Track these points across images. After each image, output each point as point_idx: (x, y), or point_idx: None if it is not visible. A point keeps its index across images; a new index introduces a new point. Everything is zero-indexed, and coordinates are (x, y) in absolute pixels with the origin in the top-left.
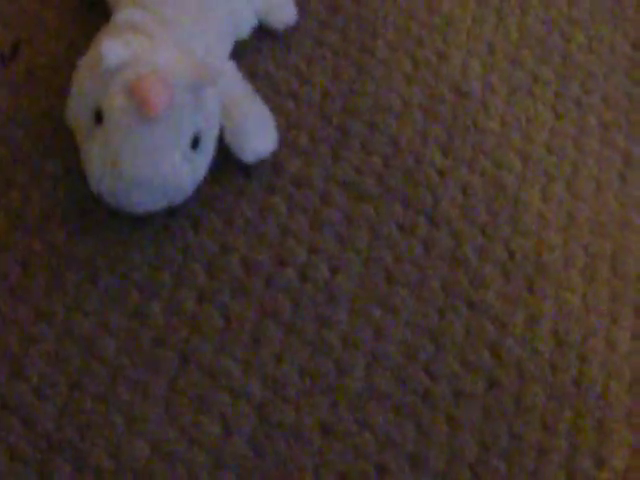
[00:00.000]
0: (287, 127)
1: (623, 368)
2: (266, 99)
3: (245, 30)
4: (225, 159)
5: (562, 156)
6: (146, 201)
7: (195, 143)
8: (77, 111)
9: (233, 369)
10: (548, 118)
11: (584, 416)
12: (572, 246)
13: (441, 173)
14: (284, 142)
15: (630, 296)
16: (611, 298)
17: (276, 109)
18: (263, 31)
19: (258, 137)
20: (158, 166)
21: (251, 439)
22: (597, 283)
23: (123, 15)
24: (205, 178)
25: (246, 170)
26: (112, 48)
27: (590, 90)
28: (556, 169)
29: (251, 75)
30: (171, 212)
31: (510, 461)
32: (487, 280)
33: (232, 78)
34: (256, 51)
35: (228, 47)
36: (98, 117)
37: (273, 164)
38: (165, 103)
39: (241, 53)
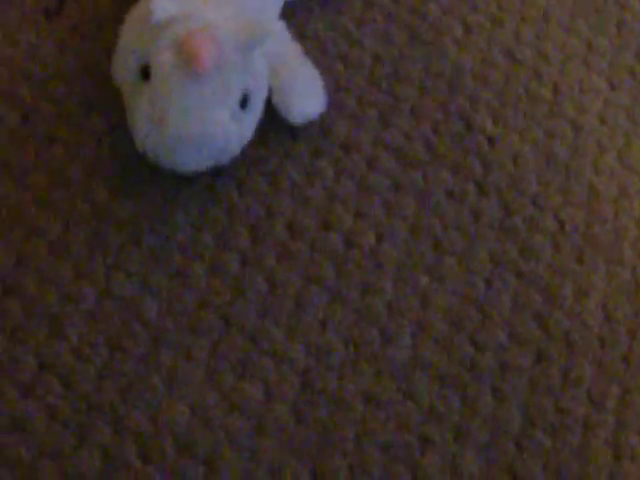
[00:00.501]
0: (336, 90)
1: None
2: (315, 61)
3: None
4: (272, 120)
5: (615, 127)
6: (191, 160)
7: (244, 102)
8: (124, 67)
9: (276, 334)
10: (602, 88)
11: (632, 392)
12: (623, 218)
13: (491, 141)
14: (332, 105)
15: None
16: None
17: (325, 71)
18: None
19: (306, 99)
20: (206, 124)
21: (293, 406)
22: None
23: None
24: (252, 139)
25: (293, 132)
26: (161, 3)
27: None
28: (608, 140)
29: (300, 36)
30: (216, 173)
31: (555, 436)
32: (536, 251)
33: (281, 38)
34: (306, 11)
35: (278, 6)
36: (145, 73)
37: (321, 127)
38: (214, 60)
39: (291, 13)
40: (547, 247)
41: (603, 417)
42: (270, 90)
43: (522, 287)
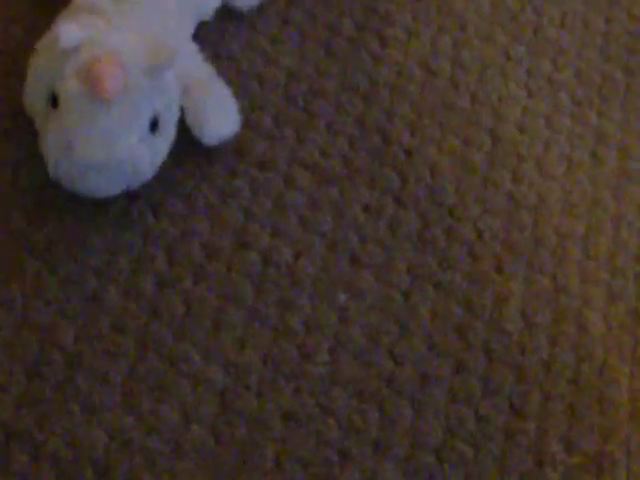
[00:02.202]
0: (251, 109)
1: (595, 351)
2: (230, 81)
3: (208, 11)
4: (187, 141)
5: (533, 135)
6: (103, 186)
7: (154, 126)
8: (34, 95)
9: (193, 355)
10: (520, 96)
11: (554, 399)
12: (542, 226)
13: (408, 153)
14: (248, 124)
15: (602, 277)
16: (582, 279)
17: (240, 91)
18: (228, 12)
19: (220, 119)
20: (113, 150)
21: (211, 427)
22: (568, 264)
23: None
24: (166, 161)
25: (208, 153)
26: (67, 30)
27: (562, 67)
28: (527, 148)
29: (215, 57)
30: (131, 196)
31: (476, 445)
32: (454, 261)
33: (193, 60)
34: (221, 32)
35: (190, 28)
36: (54, 101)
37: (236, 146)
38: (119, 86)
39: (205, 35)
40: (465, 257)
41: (524, 424)
42: (184, 112)
43: (441, 298)
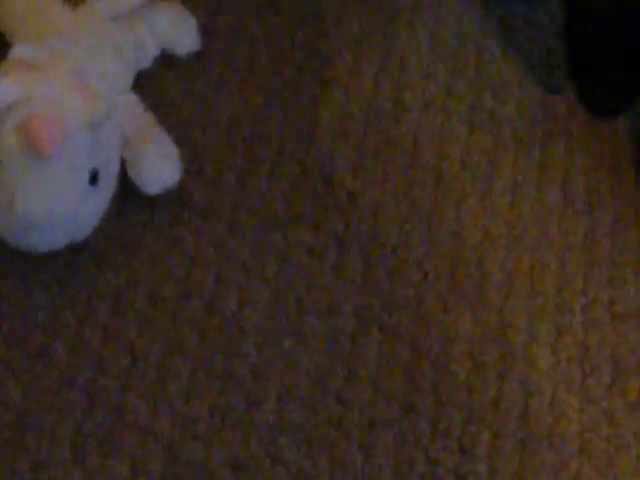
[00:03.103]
0: (193, 156)
1: (543, 385)
2: (171, 129)
3: (147, 59)
4: (129, 192)
5: (476, 171)
6: (45, 241)
7: (93, 179)
8: None
9: (140, 407)
10: (462, 132)
11: (504, 437)
12: (487, 263)
13: (351, 195)
14: (190, 172)
15: (549, 311)
16: (529, 314)
17: (181, 138)
18: (167, 59)
19: (161, 168)
20: (54, 205)
21: (160, 479)
22: (514, 299)
23: (16, 51)
24: (108, 212)
25: (150, 202)
26: (4, 86)
27: (504, 101)
28: (470, 185)
29: (156, 105)
30: (75, 249)
31: None
32: (400, 303)
33: (133, 110)
34: (161, 81)
35: (129, 78)
36: None
37: (178, 195)
38: (57, 142)
39: (145, 83)
40: (411, 298)
41: (474, 465)
42: (124, 163)
43: (387, 340)
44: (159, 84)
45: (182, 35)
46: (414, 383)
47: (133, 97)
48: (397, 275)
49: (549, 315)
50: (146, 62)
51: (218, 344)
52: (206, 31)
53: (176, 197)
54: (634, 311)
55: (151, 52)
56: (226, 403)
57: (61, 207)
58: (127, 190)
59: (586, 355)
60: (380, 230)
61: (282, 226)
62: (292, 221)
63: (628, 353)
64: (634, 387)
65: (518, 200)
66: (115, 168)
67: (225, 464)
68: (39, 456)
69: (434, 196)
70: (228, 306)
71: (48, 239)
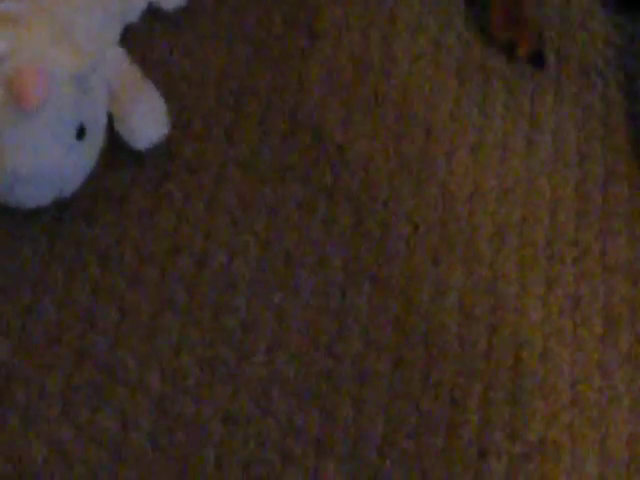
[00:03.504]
0: (181, 110)
1: (535, 337)
2: (159, 83)
3: (134, 14)
4: (117, 147)
5: (466, 124)
6: (32, 196)
7: (81, 133)
8: None
9: (130, 362)
10: (452, 85)
11: (495, 389)
12: (478, 215)
13: (341, 148)
14: (178, 126)
15: (540, 263)
16: (520, 266)
17: (169, 93)
18: (154, 13)
19: (149, 122)
20: (40, 160)
21: (150, 433)
22: (505, 252)
23: (0, 6)
24: (96, 168)
25: (139, 157)
26: None
27: (494, 53)
28: (460, 138)
29: (143, 60)
30: (62, 204)
31: (419, 440)
32: (390, 255)
33: (119, 64)
34: (148, 35)
35: (116, 32)
36: None
37: (167, 149)
38: (42, 96)
39: (132, 38)
40: (401, 251)
41: (466, 416)
42: (112, 117)
43: (378, 293)
44: (146, 39)
45: None
46: (405, 335)
47: (120, 51)
48: (387, 228)
49: (540, 267)
50: (133, 16)
51: (208, 298)
52: None
53: (164, 152)
54: (625, 262)
55: (138, 6)
56: (216, 357)
57: (47, 161)
58: (115, 145)
59: (577, 307)
60: (370, 183)
61: (271, 180)
62: (281, 174)
63: (619, 304)
64: (626, 338)
65: (508, 153)
66: (102, 123)
67: (215, 417)
68: (29, 411)
69: (424, 149)
70: (217, 260)
71: (35, 194)
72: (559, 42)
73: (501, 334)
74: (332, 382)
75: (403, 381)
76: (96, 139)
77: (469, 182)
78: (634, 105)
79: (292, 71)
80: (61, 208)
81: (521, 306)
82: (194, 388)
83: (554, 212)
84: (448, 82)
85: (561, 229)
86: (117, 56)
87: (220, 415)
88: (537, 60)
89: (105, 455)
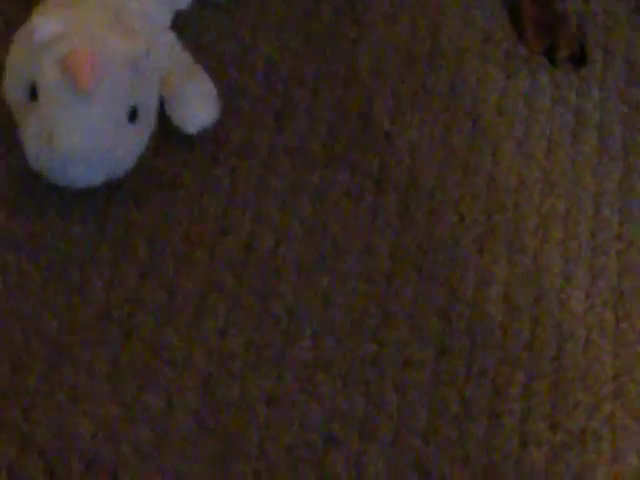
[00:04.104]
0: (231, 96)
1: (577, 329)
2: (209, 69)
3: (186, 1)
4: (167, 131)
5: (513, 116)
6: (84, 176)
7: (133, 116)
8: (13, 87)
9: (177, 343)
10: (499, 78)
11: (537, 379)
12: (523, 207)
13: (388, 137)
14: (227, 112)
15: (583, 255)
16: (564, 258)
17: (220, 79)
18: (204, 1)
19: (199, 107)
20: (93, 140)
21: (196, 414)
22: (549, 244)
23: None
24: (147, 151)
25: (189, 141)
26: (44, 22)
27: None
28: (507, 130)
29: (194, 46)
30: (112, 186)
31: (461, 427)
32: (436, 244)
33: (172, 48)
34: (199, 22)
35: (168, 18)
36: (33, 93)
37: (216, 134)
38: (97, 77)
39: (183, 24)
40: (447, 240)
41: (508, 405)
42: (163, 101)
43: (422, 281)
44: (197, 25)
45: None
46: (449, 324)
47: (171, 36)
48: (433, 217)
49: (584, 259)
50: (184, 3)
51: (254, 282)
52: None
53: (214, 137)
54: None
55: None
56: (262, 340)
57: (100, 143)
58: (166, 129)
59: (620, 300)
60: (417, 172)
61: (319, 166)
62: (329, 162)
63: None
64: None
65: (554, 145)
66: (154, 106)
67: (260, 400)
68: (76, 389)
69: (471, 140)
70: (265, 245)
71: (86, 175)
72: (605, 37)
73: (544, 325)
74: (377, 368)
75: (447, 369)
76: (148, 122)
77: (515, 174)
78: None
79: (340, 60)
80: (111, 189)
81: (564, 298)
82: (239, 370)
83: (598, 205)
84: (495, 75)
85: (605, 222)
86: (169, 41)
87: (265, 397)
88: (579, 58)
89: (151, 434)
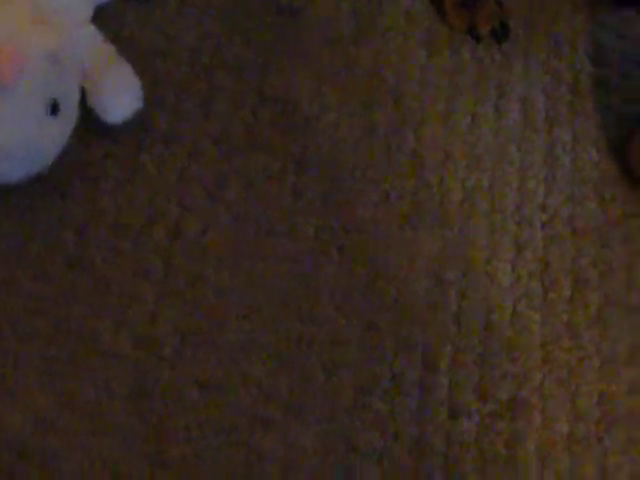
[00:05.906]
0: (154, 85)
1: (505, 300)
2: (132, 60)
3: None
4: (91, 122)
5: (436, 92)
6: (7, 171)
7: (54, 109)
8: None
9: (105, 331)
10: (421, 55)
11: (464, 351)
12: (449, 182)
13: (308, 119)
14: (151, 100)
15: (509, 228)
16: (490, 231)
17: (143, 68)
18: None
19: (121, 97)
20: (14, 135)
21: (127, 400)
22: (475, 218)
23: None
24: (70, 143)
25: (112, 132)
26: None
27: None
28: (430, 106)
29: (116, 38)
30: (38, 179)
31: (391, 401)
32: (360, 223)
33: (92, 41)
34: (119, 14)
35: (88, 12)
36: None
37: (141, 123)
38: (16, 72)
39: (105, 18)
40: (371, 218)
41: (437, 378)
42: (85, 93)
43: (347, 260)
44: (118, 17)
45: None
46: (376, 301)
47: (92, 29)
48: (356, 196)
49: (509, 231)
50: None
51: (182, 268)
52: None
53: (138, 126)
54: (594, 226)
55: None
56: (191, 325)
57: (21, 137)
58: (89, 120)
59: (546, 270)
60: (338, 152)
61: (242, 151)
62: (252, 146)
63: (588, 267)
64: (594, 300)
65: (478, 120)
66: (75, 99)
67: (192, 384)
68: (6, 381)
69: (393, 118)
70: (191, 231)
71: (9, 169)
72: (527, 11)
73: (471, 298)
74: (304, 347)
75: (375, 345)
76: (69, 114)
77: (439, 149)
78: (601, 70)
79: (262, 45)
80: (37, 182)
81: (491, 270)
82: (169, 355)
83: (523, 177)
84: (417, 52)
85: (530, 194)
86: (90, 33)
87: (196, 382)
88: (501, 33)
89: (84, 423)
